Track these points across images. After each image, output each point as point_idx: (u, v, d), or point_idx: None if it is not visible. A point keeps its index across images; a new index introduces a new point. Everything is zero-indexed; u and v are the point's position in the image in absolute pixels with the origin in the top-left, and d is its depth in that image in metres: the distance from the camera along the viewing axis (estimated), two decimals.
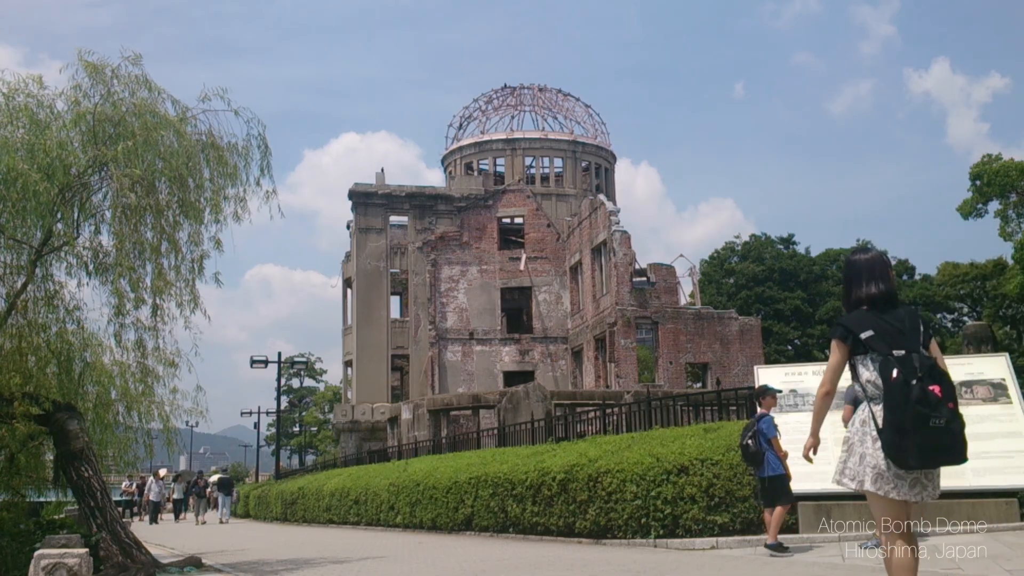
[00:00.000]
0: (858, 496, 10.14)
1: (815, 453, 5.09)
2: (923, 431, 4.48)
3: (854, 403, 9.93)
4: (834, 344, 4.97)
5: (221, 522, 31.12)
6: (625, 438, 14.26)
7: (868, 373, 4.77)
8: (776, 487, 10.08)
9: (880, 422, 4.63)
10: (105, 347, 12.49)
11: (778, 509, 9.96)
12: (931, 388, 4.54)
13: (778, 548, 9.85)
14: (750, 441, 10.15)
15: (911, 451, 4.50)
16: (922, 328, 4.81)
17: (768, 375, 12.54)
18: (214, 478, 42.98)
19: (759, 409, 10.48)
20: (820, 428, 5.14)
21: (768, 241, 68.63)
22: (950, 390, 4.60)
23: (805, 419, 10.50)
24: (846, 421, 10.05)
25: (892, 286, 5.00)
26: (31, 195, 10.63)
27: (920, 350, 4.70)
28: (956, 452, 4.56)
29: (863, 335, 4.79)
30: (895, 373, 4.58)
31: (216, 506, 41.50)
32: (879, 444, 4.64)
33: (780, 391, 11.08)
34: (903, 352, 4.67)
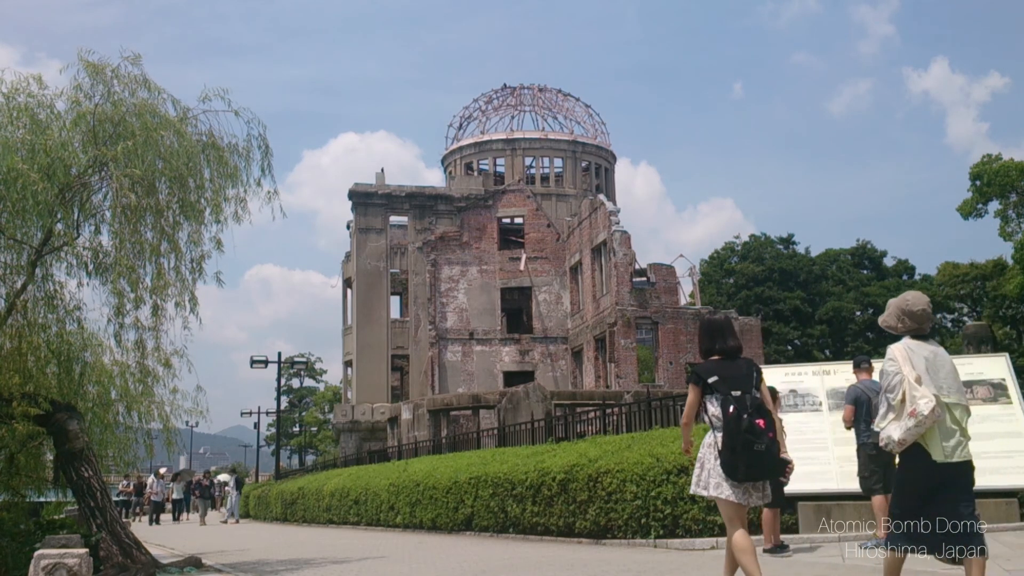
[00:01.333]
0: (858, 496, 10.24)
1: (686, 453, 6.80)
2: (749, 453, 5.90)
3: (855, 403, 9.97)
4: (690, 387, 6.46)
5: (231, 522, 30.83)
6: (625, 438, 14.26)
7: (713, 408, 6.18)
8: (781, 488, 10.05)
9: (720, 445, 6.03)
10: (105, 347, 12.50)
11: (775, 511, 9.93)
12: (757, 421, 5.96)
13: (782, 548, 9.87)
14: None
15: (740, 468, 5.94)
16: (755, 375, 6.26)
17: (768, 375, 12.53)
18: (222, 476, 42.82)
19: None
20: (690, 445, 6.70)
21: (768, 241, 68.61)
22: (771, 423, 6.06)
23: (804, 419, 10.57)
24: (847, 421, 10.07)
25: (737, 342, 6.50)
26: (31, 195, 10.63)
27: (752, 392, 6.11)
28: (773, 469, 6.16)
29: (710, 380, 6.21)
30: (731, 409, 5.99)
31: (215, 507, 41.43)
32: (719, 461, 6.04)
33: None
34: (739, 393, 6.08)
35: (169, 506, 35.73)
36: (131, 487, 34.33)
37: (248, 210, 12.55)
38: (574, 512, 12.96)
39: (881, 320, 6.04)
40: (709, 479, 6.16)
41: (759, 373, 6.29)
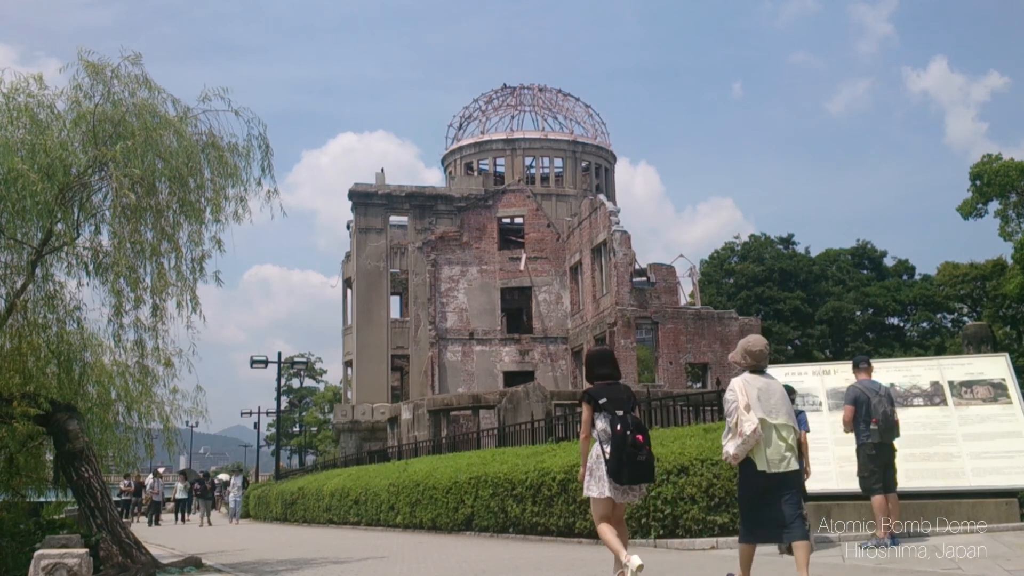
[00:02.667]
0: (858, 496, 10.23)
1: (582, 477, 7.67)
2: (632, 463, 7.23)
3: (854, 403, 9.97)
4: (584, 405, 7.64)
5: (233, 523, 30.54)
6: None
7: (602, 424, 7.45)
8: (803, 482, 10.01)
9: (607, 455, 7.31)
10: (105, 347, 12.47)
11: None
12: (637, 436, 7.31)
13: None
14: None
15: (625, 473, 7.23)
16: (632, 398, 7.66)
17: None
18: (223, 476, 42.51)
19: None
20: (587, 461, 7.60)
21: (768, 241, 68.61)
22: (647, 438, 7.41)
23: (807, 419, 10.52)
24: (847, 424, 10.08)
25: (617, 370, 7.81)
26: (31, 195, 10.62)
27: (631, 412, 7.51)
28: (649, 475, 7.44)
29: (600, 401, 7.50)
30: (619, 427, 7.30)
31: (216, 507, 41.22)
32: (605, 468, 7.33)
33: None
34: (622, 412, 7.41)
35: (170, 506, 35.22)
36: (132, 487, 33.73)
37: (248, 209, 12.55)
38: (574, 512, 12.96)
39: (730, 357, 7.74)
40: (598, 484, 7.46)
41: (634, 398, 7.76)
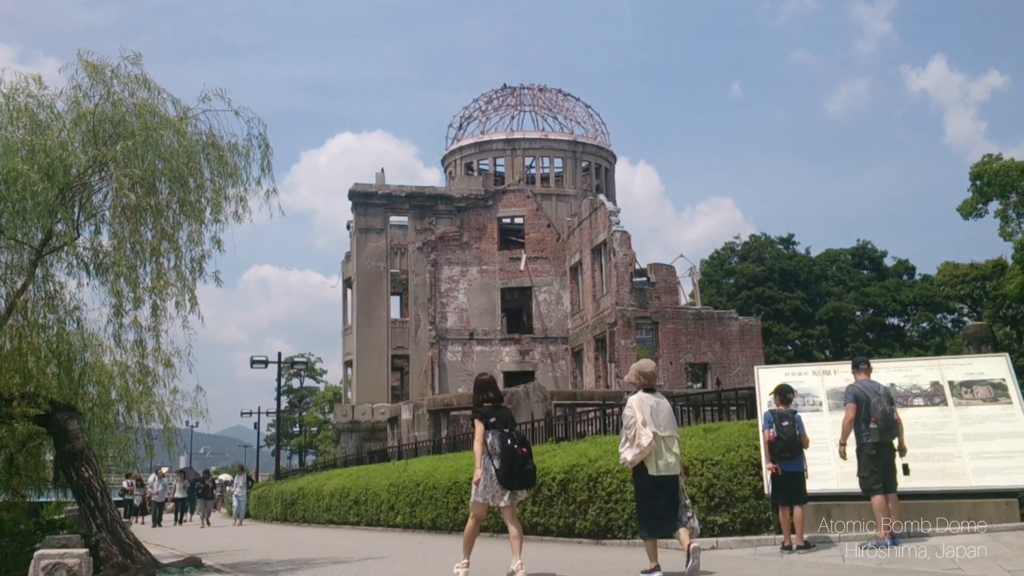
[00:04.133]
0: (858, 497, 10.23)
1: (476, 481, 8.98)
2: (519, 472, 8.85)
3: (855, 401, 9.98)
4: (477, 423, 9.11)
5: (236, 523, 29.72)
6: None
7: (491, 439, 8.92)
8: (804, 483, 10.08)
9: (497, 465, 8.80)
10: (105, 347, 12.47)
11: (804, 507, 10.00)
12: (522, 449, 8.93)
13: (808, 546, 9.90)
14: (798, 432, 10.02)
15: (515, 480, 8.84)
16: (512, 419, 9.38)
17: (768, 376, 12.54)
18: (224, 476, 42.14)
19: (780, 405, 10.33)
20: (481, 464, 8.93)
21: (768, 241, 68.61)
22: (529, 450, 9.09)
23: (804, 419, 10.53)
24: (849, 421, 10.07)
25: (500, 395, 9.49)
26: (31, 195, 10.63)
27: (515, 429, 9.20)
28: (532, 482, 9.23)
29: (490, 420, 9.03)
30: (508, 441, 8.86)
31: (216, 507, 41.07)
32: (496, 477, 8.79)
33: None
34: (508, 429, 9.01)
35: (171, 506, 34.48)
36: (133, 487, 33.23)
37: (248, 209, 12.55)
38: (574, 512, 12.97)
39: (626, 379, 9.39)
40: (489, 492, 8.89)
41: (513, 417, 9.58)
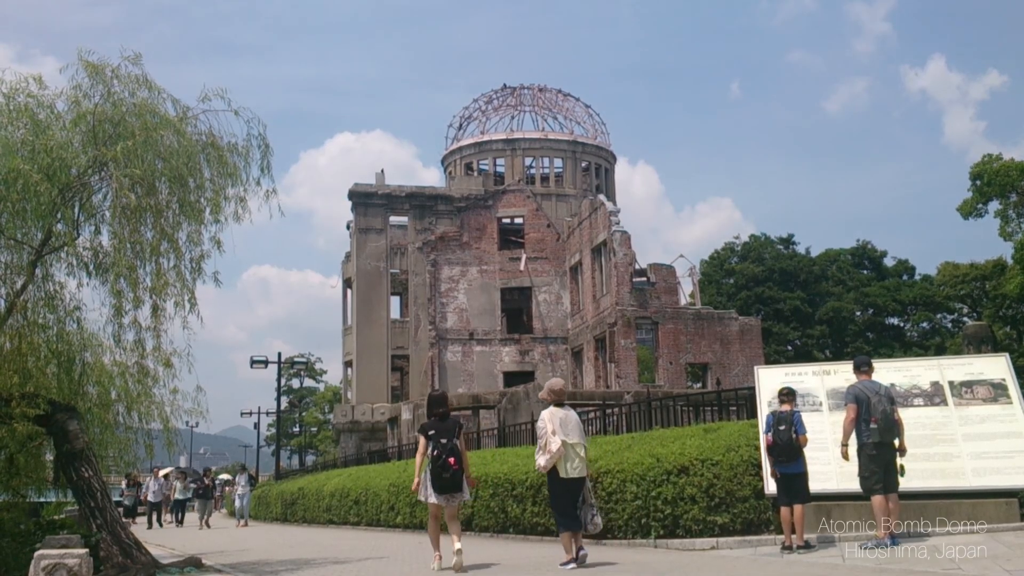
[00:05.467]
0: (858, 497, 10.23)
1: (415, 488, 10.54)
2: (439, 478, 9.98)
3: (855, 401, 9.99)
4: (421, 437, 10.34)
5: (240, 524, 28.71)
6: (625, 438, 14.26)
7: (430, 451, 10.08)
8: (806, 483, 10.10)
9: (431, 472, 10.02)
10: (105, 347, 12.46)
11: (804, 507, 10.01)
12: (449, 460, 9.95)
13: (808, 546, 9.91)
14: (794, 435, 10.07)
15: (437, 485, 10.00)
16: (456, 429, 10.26)
17: (768, 375, 12.54)
18: (224, 476, 41.73)
19: (784, 406, 10.34)
20: (421, 469, 10.42)
21: (768, 241, 68.62)
22: (459, 461, 10.02)
23: (804, 420, 10.53)
24: (851, 422, 10.07)
25: (447, 408, 10.60)
26: (31, 195, 10.63)
27: (452, 440, 10.07)
28: (456, 488, 10.07)
29: (430, 433, 10.19)
30: (437, 452, 9.99)
31: (216, 507, 40.87)
32: (431, 481, 10.04)
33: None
34: (445, 441, 10.05)
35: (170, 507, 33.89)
36: (125, 487, 32.25)
37: (248, 209, 12.52)
38: None
39: (540, 395, 10.66)
40: (426, 491, 10.17)
41: (460, 427, 10.41)
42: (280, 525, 28.93)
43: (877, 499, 9.76)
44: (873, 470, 9.88)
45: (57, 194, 11.09)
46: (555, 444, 9.61)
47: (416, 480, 10.39)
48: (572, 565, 9.54)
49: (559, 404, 10.01)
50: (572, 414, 10.02)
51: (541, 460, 9.76)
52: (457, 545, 9.89)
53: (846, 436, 10.06)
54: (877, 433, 9.85)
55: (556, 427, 9.70)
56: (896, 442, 10.01)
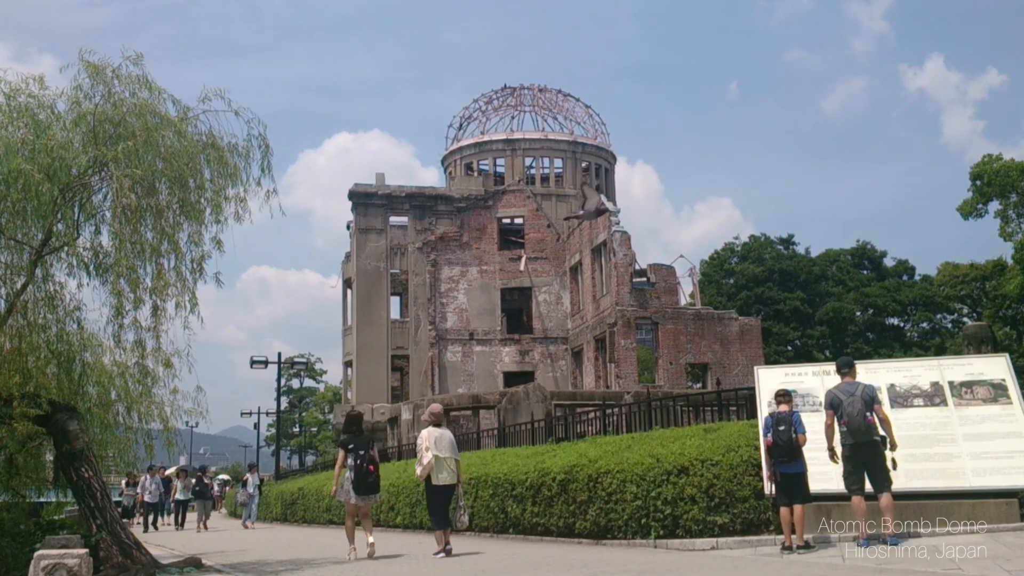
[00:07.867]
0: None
1: (334, 493, 12.82)
2: (364, 482, 12.17)
3: (831, 407, 10.14)
4: (340, 451, 12.54)
5: (250, 525, 27.83)
6: (625, 438, 14.26)
7: (351, 462, 12.24)
8: (806, 483, 10.13)
9: (351, 479, 12.15)
10: (105, 347, 12.47)
11: (804, 507, 10.03)
12: (369, 467, 12.22)
13: (808, 547, 9.91)
14: (794, 434, 10.09)
15: (361, 488, 12.17)
16: (371, 443, 12.53)
17: (768, 376, 12.55)
18: (224, 477, 41.54)
19: (782, 407, 10.37)
20: (340, 482, 12.46)
21: (768, 241, 68.62)
22: (376, 467, 12.36)
23: (804, 420, 10.54)
24: (828, 427, 10.18)
25: (361, 427, 12.94)
26: (32, 195, 10.62)
27: (369, 451, 12.35)
28: (375, 490, 12.45)
29: (349, 447, 12.31)
30: (358, 462, 12.15)
31: (216, 507, 40.81)
32: (353, 485, 12.14)
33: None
34: (363, 452, 12.25)
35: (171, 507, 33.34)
36: (124, 487, 31.79)
37: (248, 209, 12.52)
38: (574, 512, 12.97)
39: (423, 417, 12.79)
40: (346, 494, 12.27)
41: (372, 442, 12.70)
42: (280, 525, 28.93)
43: (855, 499, 10.08)
44: (849, 470, 10.20)
45: (57, 194, 11.10)
46: (427, 457, 11.88)
47: (335, 486, 12.50)
48: (442, 555, 11.68)
49: (437, 424, 12.24)
50: (447, 433, 12.28)
51: (418, 470, 12.08)
52: (371, 539, 12.18)
53: (829, 440, 10.32)
54: (849, 435, 10.12)
55: (431, 444, 11.94)
56: (875, 440, 10.03)
